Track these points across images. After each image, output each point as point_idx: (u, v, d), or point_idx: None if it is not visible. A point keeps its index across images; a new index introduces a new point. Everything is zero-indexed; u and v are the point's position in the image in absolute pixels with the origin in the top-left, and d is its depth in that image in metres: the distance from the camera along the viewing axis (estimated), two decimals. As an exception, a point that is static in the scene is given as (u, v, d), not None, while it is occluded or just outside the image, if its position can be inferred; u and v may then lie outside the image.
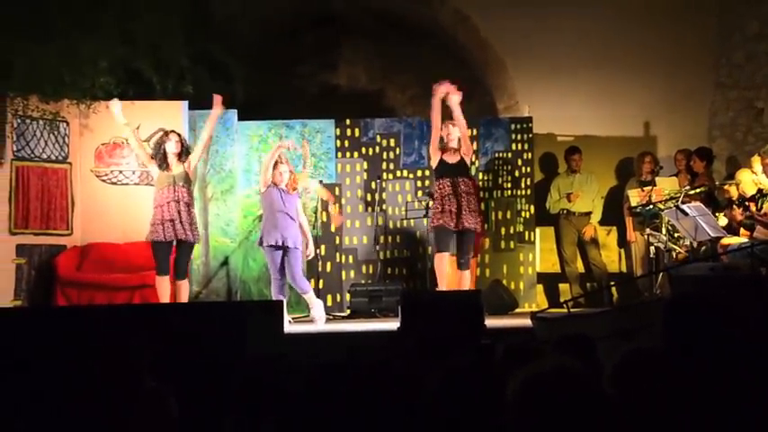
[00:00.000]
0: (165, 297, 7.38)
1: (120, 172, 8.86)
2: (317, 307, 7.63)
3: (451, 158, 7.57)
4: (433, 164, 7.70)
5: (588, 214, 9.44)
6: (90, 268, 8.44)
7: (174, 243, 7.39)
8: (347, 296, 8.86)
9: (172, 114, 8.80)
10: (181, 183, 7.40)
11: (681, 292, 5.76)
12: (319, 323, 7.56)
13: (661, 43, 9.84)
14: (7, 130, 8.29)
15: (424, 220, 8.52)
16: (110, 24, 8.22)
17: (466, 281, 7.53)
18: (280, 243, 7.53)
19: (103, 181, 8.84)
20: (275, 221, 7.57)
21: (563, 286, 9.59)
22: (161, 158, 7.43)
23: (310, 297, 7.67)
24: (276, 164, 7.69)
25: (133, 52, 8.45)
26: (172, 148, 7.43)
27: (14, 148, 8.37)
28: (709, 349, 2.60)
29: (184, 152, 7.51)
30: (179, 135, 7.59)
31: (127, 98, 8.50)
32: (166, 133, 7.57)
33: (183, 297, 7.45)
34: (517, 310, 8.76)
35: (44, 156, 8.56)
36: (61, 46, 7.98)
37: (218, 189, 9.13)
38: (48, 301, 8.24)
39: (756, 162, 8.05)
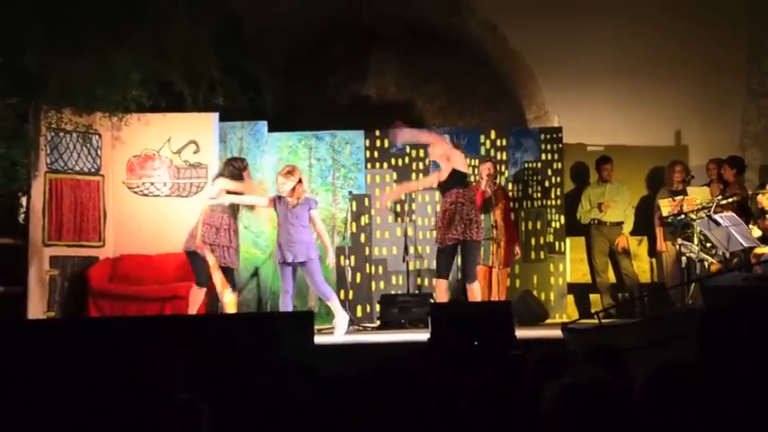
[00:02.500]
0: (196, 306, 7.44)
1: (152, 184, 8.95)
2: (340, 315, 7.61)
3: (441, 176, 7.69)
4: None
5: (620, 224, 9.37)
6: (122, 280, 8.52)
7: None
8: (377, 307, 8.86)
9: (203, 126, 8.89)
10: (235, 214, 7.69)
11: (714, 302, 5.71)
12: (339, 332, 7.55)
13: (692, 51, 9.77)
14: (41, 142, 8.41)
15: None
16: (142, 38, 8.30)
17: (475, 294, 7.47)
18: (290, 260, 7.48)
19: (135, 193, 8.93)
20: (284, 236, 7.52)
21: (594, 297, 9.52)
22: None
23: (335, 304, 7.64)
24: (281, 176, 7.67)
25: (165, 65, 8.53)
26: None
27: (48, 161, 8.48)
28: (744, 360, 2.58)
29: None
30: None
31: (158, 110, 8.62)
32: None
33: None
34: (548, 321, 8.72)
35: (77, 168, 8.67)
36: (94, 59, 8.07)
37: (248, 200, 9.16)
38: (80, 312, 8.32)
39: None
